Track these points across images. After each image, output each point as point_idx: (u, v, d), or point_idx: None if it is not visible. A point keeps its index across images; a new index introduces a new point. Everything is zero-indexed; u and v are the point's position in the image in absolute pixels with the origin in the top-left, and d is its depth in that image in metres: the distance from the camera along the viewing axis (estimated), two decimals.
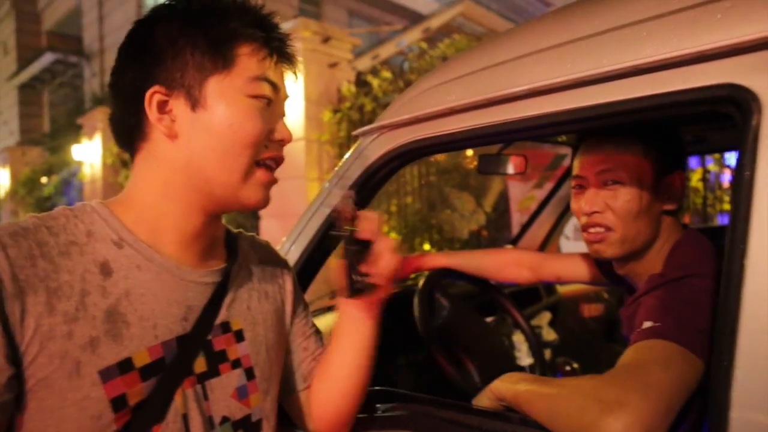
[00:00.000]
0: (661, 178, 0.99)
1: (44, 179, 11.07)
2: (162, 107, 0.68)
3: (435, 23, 9.04)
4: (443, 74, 0.99)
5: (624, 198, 0.98)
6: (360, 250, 0.76)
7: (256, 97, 0.70)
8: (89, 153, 9.22)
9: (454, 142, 0.97)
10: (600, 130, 1.03)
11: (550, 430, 0.77)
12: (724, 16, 0.68)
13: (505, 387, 0.89)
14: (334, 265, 0.79)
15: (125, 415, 0.62)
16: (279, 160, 0.75)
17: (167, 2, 0.70)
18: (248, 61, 0.70)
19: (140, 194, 0.71)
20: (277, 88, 0.73)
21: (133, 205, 0.71)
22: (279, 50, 0.74)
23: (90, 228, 0.66)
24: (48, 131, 14.10)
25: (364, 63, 6.20)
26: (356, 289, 0.76)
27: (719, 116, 0.72)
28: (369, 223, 0.76)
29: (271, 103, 0.72)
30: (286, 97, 0.77)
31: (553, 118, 0.84)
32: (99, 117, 8.88)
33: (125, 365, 0.63)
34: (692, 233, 1.01)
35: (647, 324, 0.84)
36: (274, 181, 0.75)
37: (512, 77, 0.88)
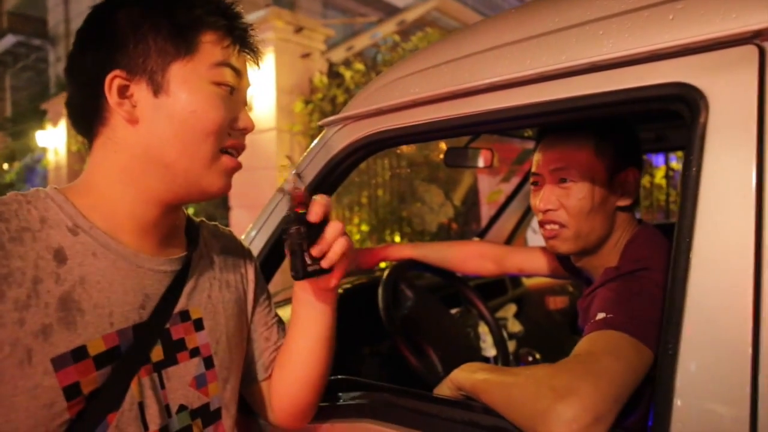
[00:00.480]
0: (614, 175, 1.01)
1: (6, 166, 10.74)
2: (122, 92, 0.67)
3: (410, 16, 9.04)
4: (407, 67, 0.99)
5: (577, 196, 1.00)
6: (310, 233, 0.75)
7: (219, 84, 0.70)
8: (54, 139, 8.98)
9: (417, 134, 0.98)
10: (556, 128, 1.05)
11: (506, 418, 0.79)
12: (676, 16, 0.70)
13: (463, 376, 0.91)
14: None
15: (79, 403, 0.62)
16: (240, 149, 0.75)
17: None
18: (212, 48, 0.69)
19: (97, 181, 0.70)
20: (240, 75, 0.73)
21: (90, 192, 0.70)
22: (242, 39, 0.73)
23: (44, 214, 0.65)
24: (10, 116, 13.64)
25: (339, 54, 6.17)
26: (307, 272, 0.75)
27: (672, 114, 0.74)
28: (319, 206, 0.75)
29: (234, 91, 0.72)
30: (249, 85, 0.77)
31: (513, 112, 0.85)
32: (64, 102, 8.64)
33: (79, 353, 0.62)
34: (647, 228, 1.04)
35: (600, 315, 0.86)
36: (237, 167, 0.74)
37: (474, 71, 0.89)
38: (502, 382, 0.81)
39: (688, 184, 0.68)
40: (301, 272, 0.75)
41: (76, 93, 0.71)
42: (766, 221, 0.61)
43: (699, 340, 0.64)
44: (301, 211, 0.75)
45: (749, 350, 0.61)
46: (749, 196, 0.63)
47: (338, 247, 0.76)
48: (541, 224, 1.07)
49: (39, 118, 9.40)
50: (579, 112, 0.81)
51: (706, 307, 0.64)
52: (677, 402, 0.65)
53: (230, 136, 0.72)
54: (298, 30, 5.23)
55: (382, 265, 1.61)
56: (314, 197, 0.76)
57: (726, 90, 0.67)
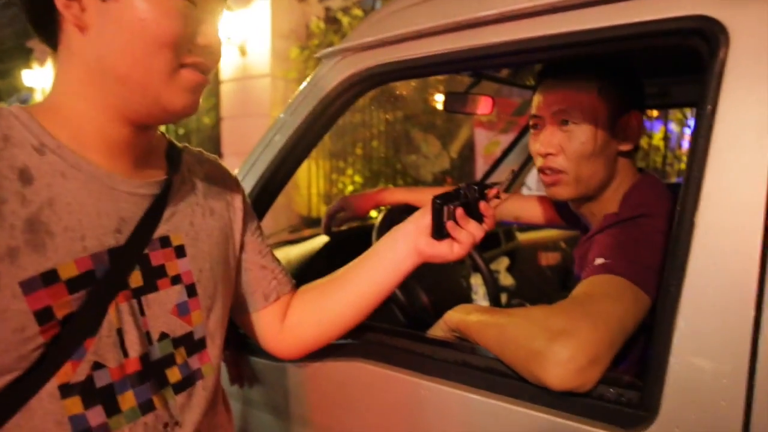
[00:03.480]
0: (617, 118, 0.98)
1: None
2: None
3: None
4: None
5: (579, 139, 0.97)
6: (471, 202, 0.81)
7: None
8: (41, 79, 8.75)
9: (420, 68, 0.94)
10: (559, 69, 1.01)
11: (500, 358, 0.78)
12: None
13: (457, 317, 0.90)
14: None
15: (52, 327, 0.59)
16: (204, 67, 0.67)
17: None
18: None
19: (60, 97, 0.66)
20: None
21: (55, 109, 0.65)
22: None
23: (6, 132, 0.60)
24: None
25: (336, 2, 5.97)
26: (443, 233, 0.79)
27: (686, 65, 0.71)
28: (490, 211, 0.83)
29: (197, 5, 0.65)
30: (221, 1, 0.69)
31: (521, 45, 0.81)
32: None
33: (49, 277, 0.59)
34: (649, 176, 1.02)
35: (599, 260, 0.85)
36: (203, 82, 0.68)
37: (482, 1, 0.84)
38: (497, 323, 0.80)
39: (702, 123, 0.65)
40: (439, 232, 0.80)
41: None
42: None
43: (702, 287, 0.63)
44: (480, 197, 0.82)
45: (753, 301, 0.59)
46: (765, 135, 0.60)
47: (474, 232, 0.80)
48: (541, 170, 1.03)
49: (25, 56, 9.12)
50: (591, 46, 0.77)
51: (712, 250, 0.63)
52: (674, 351, 0.64)
53: (191, 52, 0.65)
54: None
55: (374, 213, 1.59)
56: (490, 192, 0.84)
57: (749, 24, 0.63)
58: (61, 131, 0.63)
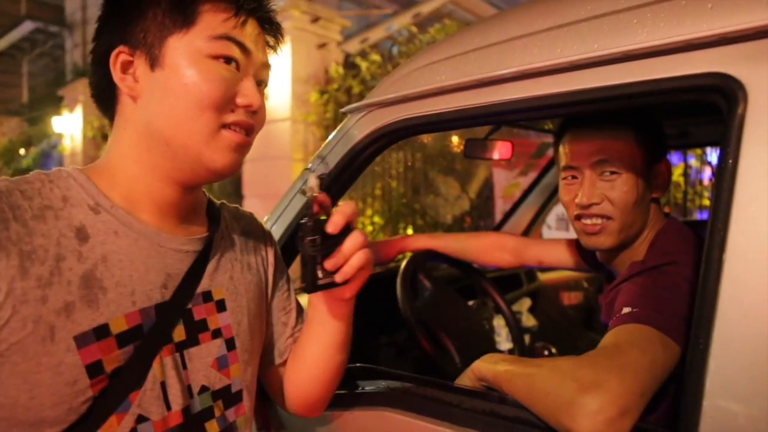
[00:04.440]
0: (651, 166, 1.00)
1: (22, 151, 10.84)
2: (126, 68, 0.67)
3: (425, 9, 8.96)
4: (434, 54, 0.98)
5: (622, 188, 0.98)
6: (327, 243, 0.69)
7: (217, 57, 0.67)
8: (70, 125, 9.05)
9: (441, 122, 0.97)
10: (587, 118, 1.03)
11: (528, 409, 0.78)
12: (715, 5, 0.69)
13: (485, 367, 0.90)
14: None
15: (101, 381, 0.62)
16: (246, 126, 0.71)
17: None
18: (211, 18, 0.67)
19: (114, 160, 0.71)
20: (246, 50, 0.70)
21: (108, 171, 0.70)
22: (249, 10, 0.70)
23: (65, 193, 0.65)
24: (26, 102, 13.77)
25: (353, 46, 6.13)
26: (318, 285, 0.69)
27: (705, 107, 0.73)
28: (340, 216, 0.69)
29: (240, 68, 0.69)
30: (263, 62, 0.73)
31: (542, 101, 0.84)
32: (80, 89, 8.70)
33: (101, 331, 0.62)
34: (674, 222, 1.02)
35: (626, 309, 0.85)
36: (243, 143, 0.71)
37: (503, 59, 0.87)
38: (526, 373, 0.80)
39: (724, 176, 0.66)
40: (310, 286, 0.69)
41: (93, 71, 0.72)
42: None
43: (731, 337, 0.63)
44: (321, 218, 0.69)
45: None
46: None
47: (356, 261, 0.70)
48: (580, 218, 1.03)
49: (55, 104, 9.46)
50: (610, 102, 0.79)
51: (740, 302, 0.63)
52: (706, 401, 0.64)
53: (233, 112, 0.69)
54: (315, 20, 5.21)
55: (399, 256, 1.60)
56: (338, 205, 0.72)
57: (766, 80, 0.65)
58: (113, 191, 0.68)
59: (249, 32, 0.70)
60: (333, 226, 0.69)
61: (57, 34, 13.81)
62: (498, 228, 2.30)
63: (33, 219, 0.61)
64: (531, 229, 2.25)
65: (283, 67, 5.14)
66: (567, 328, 2.27)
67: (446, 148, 4.88)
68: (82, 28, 12.87)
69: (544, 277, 2.29)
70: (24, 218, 0.60)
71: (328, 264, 0.69)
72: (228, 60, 0.68)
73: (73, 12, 13.21)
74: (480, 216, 5.14)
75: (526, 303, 2.08)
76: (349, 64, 5.30)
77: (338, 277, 0.70)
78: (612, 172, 0.98)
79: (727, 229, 0.65)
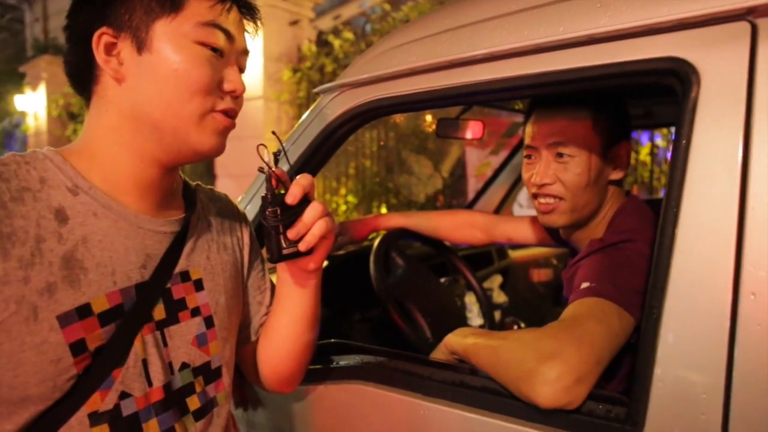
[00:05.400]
0: (609, 149, 1.03)
1: None
2: (109, 49, 0.67)
3: None
4: (406, 35, 0.99)
5: (574, 171, 1.01)
6: (288, 214, 0.72)
7: (204, 44, 0.68)
8: (33, 103, 8.76)
9: (413, 103, 0.99)
10: (551, 100, 1.06)
11: (494, 379, 0.82)
12: None
13: (456, 341, 0.94)
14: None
15: (85, 359, 0.63)
16: (231, 113, 0.73)
17: None
18: (197, 5, 0.68)
19: (93, 141, 0.71)
20: (231, 37, 0.71)
21: (87, 152, 0.70)
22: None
23: (43, 175, 0.65)
24: None
25: (326, 23, 6.05)
26: (283, 255, 0.73)
27: (661, 90, 0.76)
28: (297, 187, 0.72)
29: (224, 54, 0.71)
30: (244, 48, 0.75)
31: (510, 83, 0.86)
32: (43, 66, 8.41)
33: (84, 311, 0.63)
34: (633, 201, 1.07)
35: (585, 284, 0.89)
36: (231, 126, 0.74)
37: (472, 41, 0.89)
38: (491, 345, 0.84)
39: (678, 156, 0.70)
40: (275, 255, 0.72)
41: (70, 50, 0.71)
42: (750, 193, 0.64)
43: (681, 308, 0.68)
44: (279, 192, 0.72)
45: (728, 320, 0.64)
46: (735, 168, 0.65)
47: (317, 230, 0.73)
48: (535, 197, 1.07)
49: (17, 81, 9.14)
50: (575, 84, 0.82)
51: (689, 275, 0.67)
52: (657, 368, 0.68)
53: (222, 99, 0.71)
54: None
55: (373, 235, 1.63)
56: (296, 177, 0.74)
57: (718, 65, 0.69)
58: (92, 173, 0.68)
59: (232, 18, 0.72)
60: (291, 197, 0.72)
61: (15, 6, 13.25)
62: (470, 206, 2.34)
63: (11, 201, 0.61)
64: (502, 207, 2.30)
65: (255, 44, 5.04)
66: (537, 304, 2.34)
67: (419, 128, 4.90)
68: (43, 2, 12.38)
69: (514, 254, 2.35)
70: (2, 200, 0.60)
71: (291, 233, 0.72)
72: (214, 49, 0.69)
73: None
74: (453, 194, 5.20)
75: (497, 280, 2.14)
76: (321, 41, 5.24)
77: (302, 246, 0.73)
78: (566, 155, 1.02)
79: (680, 205, 0.69)
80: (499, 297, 2.08)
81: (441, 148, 5.13)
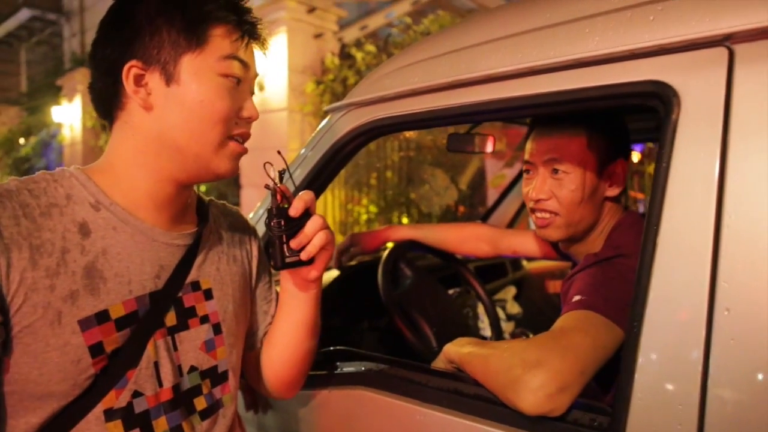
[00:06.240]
0: (604, 167, 1.06)
1: (22, 140, 10.89)
2: (138, 80, 0.73)
3: None
4: (408, 57, 1.04)
5: (569, 187, 1.05)
6: (291, 225, 0.79)
7: (226, 75, 0.75)
8: (69, 115, 9.09)
9: (415, 122, 1.03)
10: (549, 118, 1.09)
11: (484, 387, 0.86)
12: (656, 18, 0.75)
13: (453, 350, 0.98)
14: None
15: (102, 360, 0.70)
16: (246, 137, 0.81)
17: None
18: (221, 41, 0.75)
19: (116, 161, 0.77)
20: (247, 67, 0.78)
21: (109, 171, 0.76)
22: (251, 33, 0.79)
23: (69, 191, 0.72)
24: (25, 91, 13.77)
25: (352, 33, 6.16)
26: (286, 263, 0.80)
27: (651, 109, 0.79)
28: (300, 201, 0.79)
29: (241, 82, 0.78)
30: (255, 76, 0.82)
31: (506, 103, 0.90)
32: (79, 79, 8.72)
33: (102, 316, 0.70)
34: (630, 216, 1.09)
35: (577, 297, 0.92)
36: (243, 152, 0.81)
37: (471, 63, 0.94)
38: (482, 354, 0.88)
39: (659, 175, 0.73)
40: (279, 263, 0.80)
41: (97, 79, 0.77)
42: (725, 211, 0.67)
43: (660, 321, 0.70)
44: (283, 206, 0.79)
45: (703, 334, 0.66)
46: (712, 188, 0.68)
47: (317, 240, 0.80)
48: (533, 212, 1.11)
49: (54, 93, 9.49)
50: (566, 105, 0.85)
51: (667, 290, 0.70)
52: (637, 379, 0.71)
53: (237, 124, 0.78)
54: (311, 10, 5.25)
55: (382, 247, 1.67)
56: (299, 193, 0.81)
57: (697, 89, 0.71)
58: (114, 190, 0.75)
59: (248, 49, 0.79)
60: (294, 210, 0.79)
61: (54, 21, 13.76)
62: (485, 218, 2.37)
63: (41, 216, 0.68)
64: (517, 219, 2.32)
65: (279, 57, 5.18)
66: (551, 315, 2.32)
67: (437, 140, 4.94)
68: (80, 16, 12.83)
69: (529, 266, 2.36)
70: (33, 215, 0.67)
71: (294, 243, 0.79)
72: (232, 77, 0.76)
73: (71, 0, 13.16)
74: (472, 205, 5.21)
75: (511, 291, 2.15)
76: (345, 54, 5.33)
77: (303, 255, 0.80)
78: (561, 171, 1.05)
79: (660, 222, 0.72)
80: (513, 308, 2.09)
81: (460, 159, 5.16)
